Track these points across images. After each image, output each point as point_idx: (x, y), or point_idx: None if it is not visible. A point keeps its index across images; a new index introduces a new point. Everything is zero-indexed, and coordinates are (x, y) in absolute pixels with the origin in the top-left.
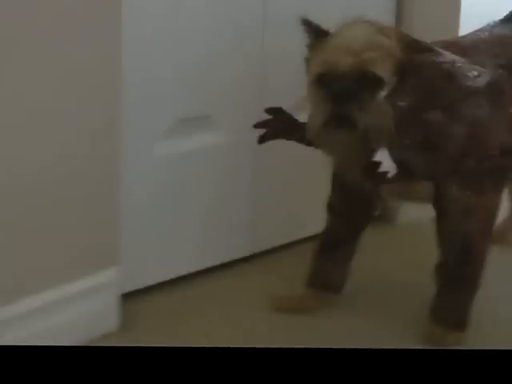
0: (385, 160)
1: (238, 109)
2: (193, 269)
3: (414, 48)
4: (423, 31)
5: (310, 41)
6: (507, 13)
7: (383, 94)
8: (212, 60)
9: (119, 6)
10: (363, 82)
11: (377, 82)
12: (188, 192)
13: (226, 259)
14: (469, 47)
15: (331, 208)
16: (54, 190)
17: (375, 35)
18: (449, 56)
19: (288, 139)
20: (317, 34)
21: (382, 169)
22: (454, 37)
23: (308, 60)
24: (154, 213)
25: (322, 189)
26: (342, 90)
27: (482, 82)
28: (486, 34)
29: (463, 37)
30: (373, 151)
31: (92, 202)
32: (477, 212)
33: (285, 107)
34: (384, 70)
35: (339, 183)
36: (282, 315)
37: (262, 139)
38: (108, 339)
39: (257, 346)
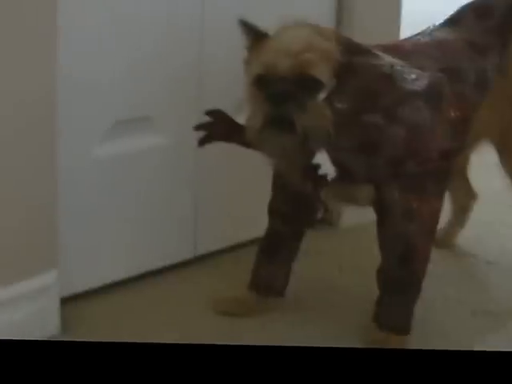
0: (324, 162)
1: (178, 110)
2: (134, 272)
3: (353, 50)
4: (363, 34)
5: (248, 42)
6: (447, 16)
7: (322, 96)
8: (150, 61)
9: (55, 8)
10: (302, 83)
11: (315, 84)
12: (128, 194)
13: (168, 262)
14: (410, 51)
15: (272, 210)
16: None
17: (314, 37)
18: (387, 59)
19: (228, 142)
20: (255, 36)
21: (322, 171)
22: (395, 40)
23: (247, 62)
24: (95, 216)
25: (265, 191)
26: (280, 91)
27: (420, 85)
28: (427, 37)
29: (404, 40)
30: (312, 153)
31: (30, 205)
32: (418, 216)
33: (224, 108)
34: (322, 72)
35: (280, 185)
36: (224, 318)
37: (202, 142)
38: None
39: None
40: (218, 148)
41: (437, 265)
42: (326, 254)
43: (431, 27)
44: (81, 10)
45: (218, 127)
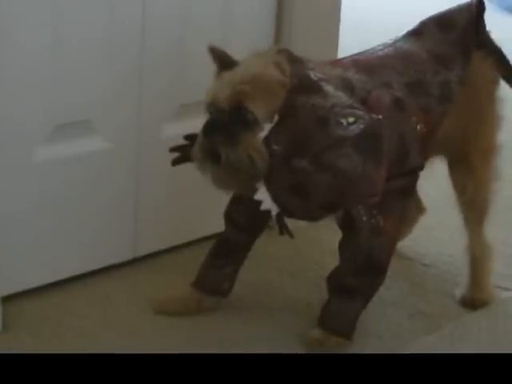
0: (265, 199)
1: (118, 113)
2: (75, 272)
3: (302, 88)
4: (302, 43)
5: (215, 69)
6: (410, 28)
7: (260, 131)
8: (90, 64)
9: None
10: (236, 115)
11: (248, 117)
12: (68, 197)
13: (108, 263)
14: (375, 65)
15: (230, 220)
16: None
17: (266, 70)
18: (332, 97)
19: None
20: (222, 63)
21: (264, 207)
22: (362, 52)
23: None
24: (36, 217)
25: (204, 194)
26: (212, 122)
27: (354, 129)
28: (391, 49)
29: (369, 52)
30: (250, 188)
31: None
32: (384, 231)
33: (164, 112)
34: (259, 107)
35: (239, 197)
36: (162, 317)
37: (176, 162)
38: None
39: (136, 349)
40: (158, 150)
41: None
42: (267, 256)
43: (394, 38)
44: (22, 10)
45: (189, 151)
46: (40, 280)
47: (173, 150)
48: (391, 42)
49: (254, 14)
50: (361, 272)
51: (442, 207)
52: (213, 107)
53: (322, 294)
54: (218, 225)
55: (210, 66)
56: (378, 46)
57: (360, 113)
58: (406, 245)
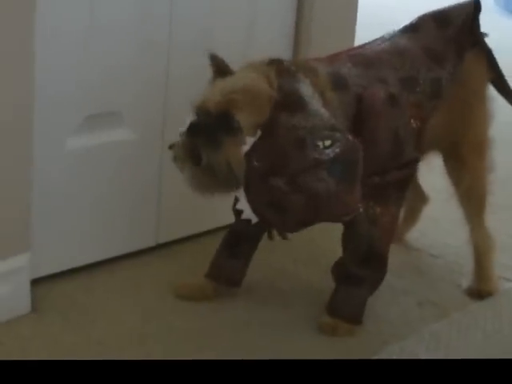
0: (245, 209)
1: (145, 106)
2: (100, 257)
3: (285, 104)
4: (320, 39)
5: (212, 75)
6: (407, 22)
7: (242, 143)
8: (121, 62)
9: (34, 10)
10: (221, 120)
11: (233, 124)
12: (96, 184)
13: (131, 249)
14: (372, 59)
15: (237, 210)
16: None
17: (257, 84)
18: (314, 117)
19: None
20: (219, 71)
21: (244, 217)
22: (359, 46)
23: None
24: (65, 203)
25: None
26: (195, 123)
27: (329, 154)
28: (387, 43)
29: (367, 45)
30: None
31: (6, 193)
32: (381, 221)
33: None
34: (245, 118)
35: None
36: (182, 302)
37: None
38: (22, 320)
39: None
40: None
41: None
42: (281, 245)
43: (391, 33)
44: (58, 12)
45: None
46: (67, 264)
47: (171, 147)
48: (388, 36)
49: (275, 10)
50: (364, 260)
51: (448, 200)
52: (200, 110)
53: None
54: None
55: (235, 59)
56: (376, 39)
57: (338, 135)
58: (414, 236)
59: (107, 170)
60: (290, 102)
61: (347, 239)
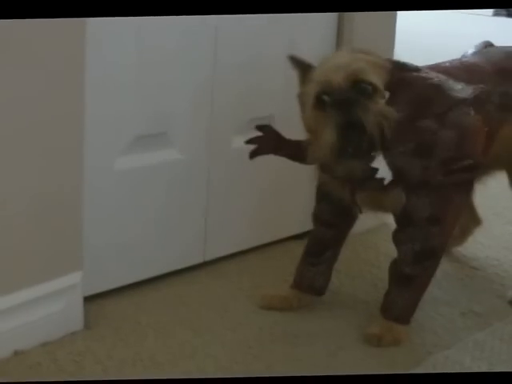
0: (381, 167)
1: (192, 127)
2: (149, 274)
3: (401, 68)
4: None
5: (299, 76)
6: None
7: (382, 101)
8: (168, 84)
9: (83, 29)
10: (358, 89)
11: (371, 88)
12: (145, 203)
13: (179, 266)
14: (442, 72)
15: (317, 219)
16: (23, 202)
17: (363, 55)
18: (434, 74)
19: (277, 155)
20: (303, 69)
21: (379, 175)
22: (427, 66)
23: (300, 94)
24: (115, 223)
25: (273, 200)
26: (343, 98)
27: (466, 93)
28: (456, 62)
29: (435, 65)
30: (372, 158)
31: (57, 213)
32: (441, 221)
33: (234, 127)
34: (375, 79)
35: (324, 195)
36: (233, 316)
37: (254, 154)
38: (75, 336)
39: (209, 345)
40: (228, 161)
41: None
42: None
43: (464, 54)
44: (109, 32)
45: (268, 141)
46: (119, 281)
47: (249, 142)
48: (457, 58)
49: (315, 34)
50: (417, 261)
51: (487, 215)
52: (331, 90)
53: (378, 293)
54: (283, 231)
55: (279, 81)
56: (447, 61)
57: (462, 83)
58: (455, 249)
59: (156, 189)
60: (405, 67)
61: (401, 238)
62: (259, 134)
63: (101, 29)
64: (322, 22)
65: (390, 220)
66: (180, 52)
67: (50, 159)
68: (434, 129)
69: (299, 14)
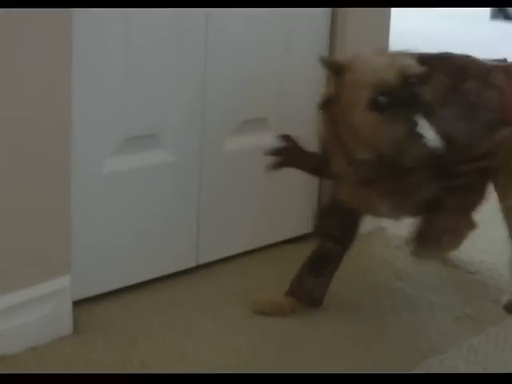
0: (431, 136)
1: (182, 129)
2: (140, 278)
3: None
4: None
5: (333, 77)
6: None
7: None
8: (158, 84)
9: (70, 30)
10: (413, 85)
11: (423, 79)
12: (135, 206)
13: (171, 270)
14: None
15: (325, 232)
16: (11, 205)
17: (394, 55)
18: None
19: (298, 168)
20: (335, 68)
21: (430, 144)
22: None
23: (334, 94)
24: (105, 226)
25: (266, 204)
26: (406, 96)
27: (498, 62)
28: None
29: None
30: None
31: (47, 216)
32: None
33: (226, 129)
34: (420, 69)
35: (333, 209)
36: (224, 320)
37: (277, 166)
38: (64, 341)
39: (200, 349)
40: (220, 164)
41: (422, 274)
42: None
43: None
44: (96, 34)
45: (291, 153)
46: (108, 286)
47: (271, 153)
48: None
49: (309, 29)
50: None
51: (484, 219)
52: (389, 90)
53: (372, 298)
54: (276, 234)
55: (271, 84)
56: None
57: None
58: (451, 254)
59: (146, 192)
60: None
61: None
62: (282, 143)
63: (87, 30)
64: (315, 19)
65: (384, 224)
66: (170, 52)
67: (39, 162)
68: (477, 89)
69: (293, 12)
